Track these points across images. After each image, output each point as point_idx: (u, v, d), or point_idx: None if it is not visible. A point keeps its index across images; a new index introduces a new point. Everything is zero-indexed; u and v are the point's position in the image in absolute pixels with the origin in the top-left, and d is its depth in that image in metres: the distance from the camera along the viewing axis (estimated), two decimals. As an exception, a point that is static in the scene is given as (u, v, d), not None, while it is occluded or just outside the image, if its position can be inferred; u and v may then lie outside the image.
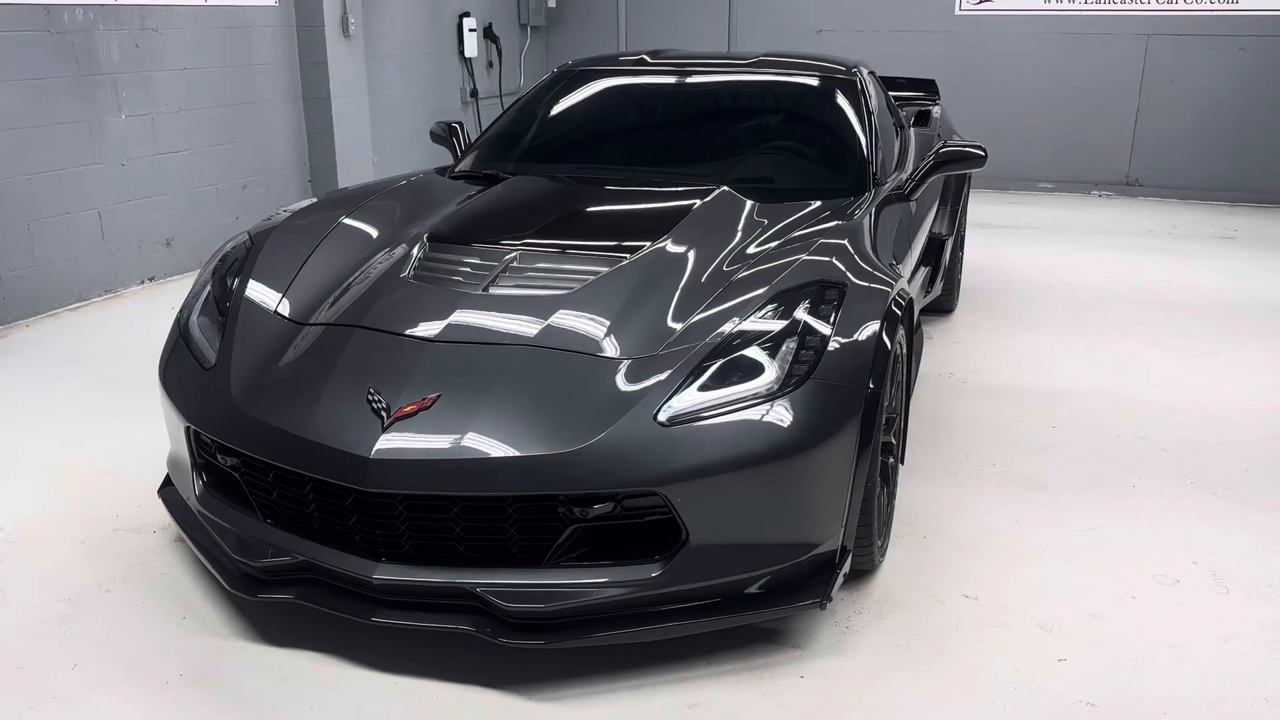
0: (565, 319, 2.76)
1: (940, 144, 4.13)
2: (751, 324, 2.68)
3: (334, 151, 7.26)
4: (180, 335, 3.01)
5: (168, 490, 3.10)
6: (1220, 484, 3.60)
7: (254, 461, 2.65)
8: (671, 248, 3.15)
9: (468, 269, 3.06)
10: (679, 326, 2.73)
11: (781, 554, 2.53)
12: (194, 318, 3.05)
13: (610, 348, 2.66)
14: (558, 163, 4.19)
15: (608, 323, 2.75)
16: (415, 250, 3.19)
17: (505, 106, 5.78)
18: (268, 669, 2.59)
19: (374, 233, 3.38)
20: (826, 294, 2.77)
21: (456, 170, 4.19)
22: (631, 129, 4.34)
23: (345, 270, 3.13)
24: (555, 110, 4.44)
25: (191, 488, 2.85)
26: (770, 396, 2.51)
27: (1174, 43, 8.68)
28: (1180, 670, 2.61)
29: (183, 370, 2.90)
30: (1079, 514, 3.38)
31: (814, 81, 4.28)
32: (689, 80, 4.40)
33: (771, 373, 2.56)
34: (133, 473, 3.63)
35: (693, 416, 2.47)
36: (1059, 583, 2.99)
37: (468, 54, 9.24)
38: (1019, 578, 3.01)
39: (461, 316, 2.78)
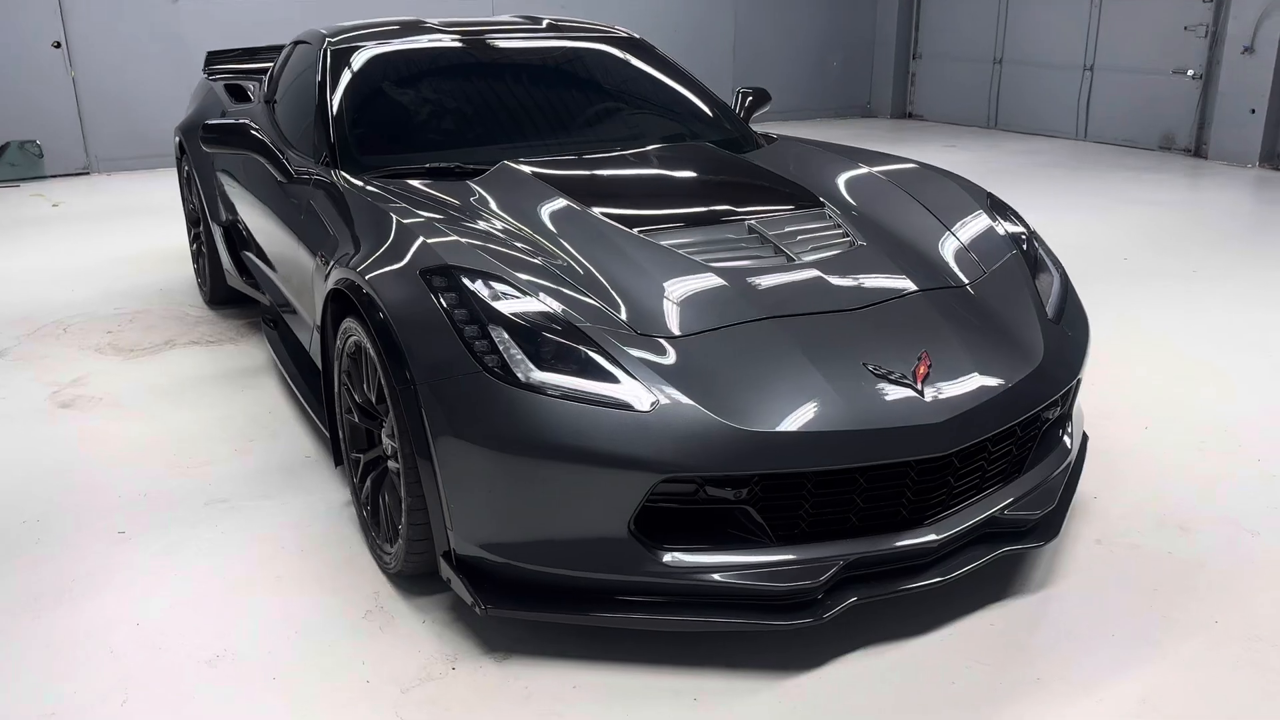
0: (905, 265, 2.91)
1: (739, 89, 4.70)
2: (1011, 230, 3.19)
3: None
4: (528, 390, 2.35)
5: (499, 596, 2.44)
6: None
7: (788, 480, 2.37)
8: (848, 193, 3.38)
9: (743, 247, 2.91)
10: (960, 247, 3.07)
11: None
12: (528, 371, 2.38)
13: (964, 277, 2.92)
14: (484, 145, 3.75)
15: (932, 260, 2.97)
16: (664, 242, 2.89)
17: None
18: (868, 678, 2.42)
19: (565, 234, 2.93)
20: (994, 199, 3.39)
21: (384, 170, 3.52)
22: (508, 103, 4.03)
23: (613, 278, 2.71)
24: (410, 93, 3.93)
25: (650, 557, 2.36)
26: (1064, 286, 3.10)
27: None
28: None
29: (593, 426, 2.32)
30: (1132, 304, 4.92)
31: (628, 45, 4.44)
32: (525, 47, 4.25)
33: (1051, 267, 3.13)
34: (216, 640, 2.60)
35: (1058, 313, 2.95)
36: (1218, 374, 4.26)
37: None
38: (1178, 389, 4.08)
39: (837, 283, 2.75)
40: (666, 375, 2.41)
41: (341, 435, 3.08)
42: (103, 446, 3.73)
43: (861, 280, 2.81)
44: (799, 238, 2.99)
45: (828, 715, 2.31)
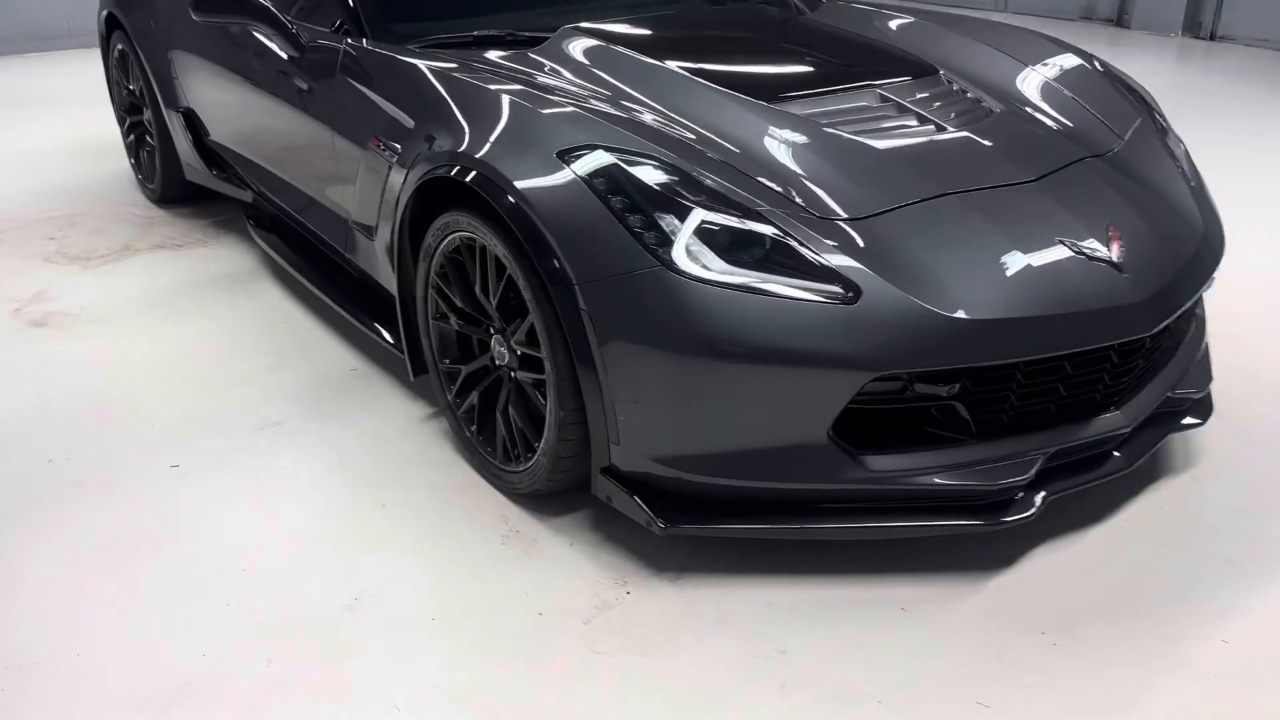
0: (1051, 131, 2.72)
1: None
2: (1127, 89, 3.07)
3: None
4: (713, 285, 2.07)
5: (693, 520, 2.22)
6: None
7: (1001, 372, 2.18)
8: (951, 56, 3.09)
9: (884, 116, 2.63)
10: (1086, 110, 2.87)
11: None
12: (710, 262, 2.09)
13: (1109, 143, 2.73)
14: (499, 12, 3.35)
15: (1070, 125, 2.77)
16: (793, 110, 2.59)
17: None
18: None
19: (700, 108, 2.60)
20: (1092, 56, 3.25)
21: (426, 40, 3.08)
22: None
23: (760, 155, 2.41)
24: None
25: (852, 463, 2.16)
26: (1187, 151, 2.97)
27: None
28: None
29: (792, 323, 2.07)
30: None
31: None
32: None
33: (1172, 130, 2.99)
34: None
35: (1195, 179, 2.81)
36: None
37: None
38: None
39: (999, 152, 2.52)
40: (861, 261, 2.16)
41: (428, 345, 2.74)
42: (110, 369, 3.27)
43: (1020, 149, 2.59)
44: (934, 105, 2.73)
45: (1042, 613, 2.20)
